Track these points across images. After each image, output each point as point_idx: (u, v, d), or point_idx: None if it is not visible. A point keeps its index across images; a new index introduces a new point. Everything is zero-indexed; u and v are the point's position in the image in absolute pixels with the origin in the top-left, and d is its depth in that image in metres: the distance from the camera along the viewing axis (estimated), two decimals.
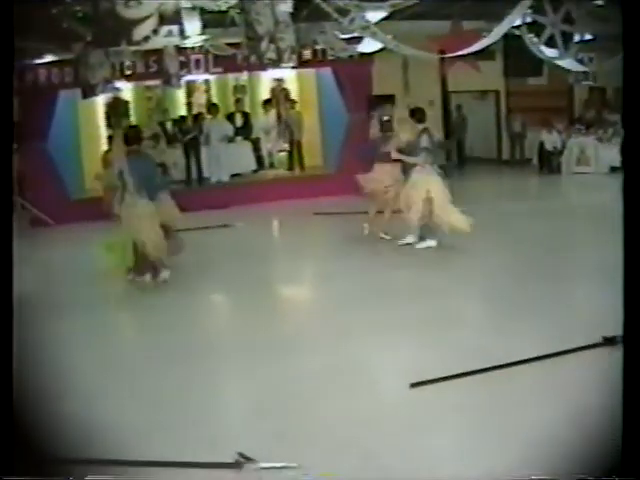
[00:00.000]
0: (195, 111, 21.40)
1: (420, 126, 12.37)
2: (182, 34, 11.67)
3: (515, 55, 19.10)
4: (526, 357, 6.95)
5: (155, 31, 11.13)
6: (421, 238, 12.46)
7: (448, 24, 16.63)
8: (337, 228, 12.70)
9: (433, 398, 6.33)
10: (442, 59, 19.59)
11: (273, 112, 20.96)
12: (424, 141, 12.19)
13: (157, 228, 11.38)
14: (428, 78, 23.18)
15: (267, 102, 21.37)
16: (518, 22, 11.34)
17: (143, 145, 11.85)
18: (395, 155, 12.45)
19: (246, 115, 21.82)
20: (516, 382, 6.64)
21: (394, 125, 12.86)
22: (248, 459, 5.21)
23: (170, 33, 11.49)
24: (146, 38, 11.35)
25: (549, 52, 12.07)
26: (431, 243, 12.37)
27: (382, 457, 5.28)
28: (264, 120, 21.27)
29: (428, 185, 12.13)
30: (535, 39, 11.75)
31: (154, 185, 11.43)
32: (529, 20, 11.70)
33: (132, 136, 11.63)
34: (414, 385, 6.44)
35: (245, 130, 21.48)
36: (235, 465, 5.19)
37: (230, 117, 21.37)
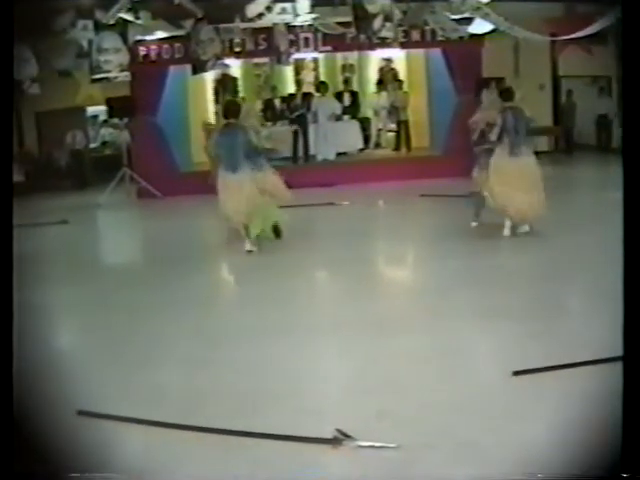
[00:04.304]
0: (303, 89, 21.49)
1: (506, 104, 11.94)
2: (294, 12, 11.77)
3: None
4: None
5: (269, 8, 11.28)
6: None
7: (561, 6, 16.33)
8: (442, 210, 12.60)
9: (534, 387, 6.25)
10: (553, 42, 19.28)
11: (384, 93, 20.89)
12: (504, 120, 11.79)
13: (243, 198, 11.61)
14: (539, 61, 22.77)
15: (379, 83, 21.32)
16: None
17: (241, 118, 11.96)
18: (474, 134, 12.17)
19: (354, 94, 21.79)
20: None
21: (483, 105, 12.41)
22: (346, 436, 5.23)
23: (283, 11, 11.61)
24: (260, 15, 11.52)
25: None
26: (525, 228, 12.05)
27: (478, 444, 5.25)
28: (375, 100, 21.23)
29: (506, 169, 11.76)
30: None
31: (239, 157, 11.64)
32: None
33: (230, 109, 11.85)
34: (517, 373, 6.35)
35: (353, 109, 21.45)
36: (333, 441, 5.22)
37: (338, 96, 21.35)
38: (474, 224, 12.58)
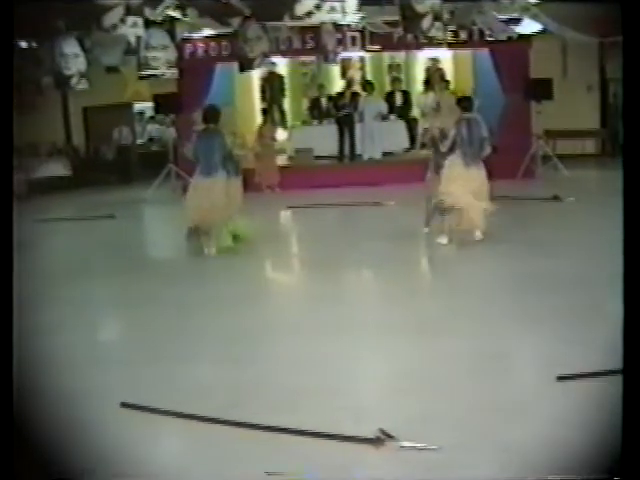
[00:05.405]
0: (349, 88, 21.43)
1: (463, 115, 11.95)
2: (343, 11, 11.77)
3: None
4: None
5: (318, 6, 11.28)
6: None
7: (609, 7, 16.11)
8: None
9: (577, 392, 6.18)
10: (602, 43, 19.07)
11: (431, 93, 20.77)
12: (458, 132, 11.75)
13: (208, 202, 11.78)
14: (587, 63, 22.55)
15: (426, 83, 21.22)
16: None
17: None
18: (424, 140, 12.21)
19: (406, 94, 21.65)
20: None
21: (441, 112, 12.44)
22: (389, 436, 5.21)
23: (332, 9, 11.61)
24: (309, 13, 11.52)
25: None
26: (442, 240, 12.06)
27: (519, 448, 5.20)
28: (422, 100, 21.13)
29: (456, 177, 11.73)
30: None
31: (216, 161, 11.80)
32: None
33: (210, 114, 11.97)
34: (561, 378, 6.27)
35: (403, 109, 21.30)
36: (375, 441, 5.20)
37: (390, 95, 21.25)
38: (426, 230, 12.55)
